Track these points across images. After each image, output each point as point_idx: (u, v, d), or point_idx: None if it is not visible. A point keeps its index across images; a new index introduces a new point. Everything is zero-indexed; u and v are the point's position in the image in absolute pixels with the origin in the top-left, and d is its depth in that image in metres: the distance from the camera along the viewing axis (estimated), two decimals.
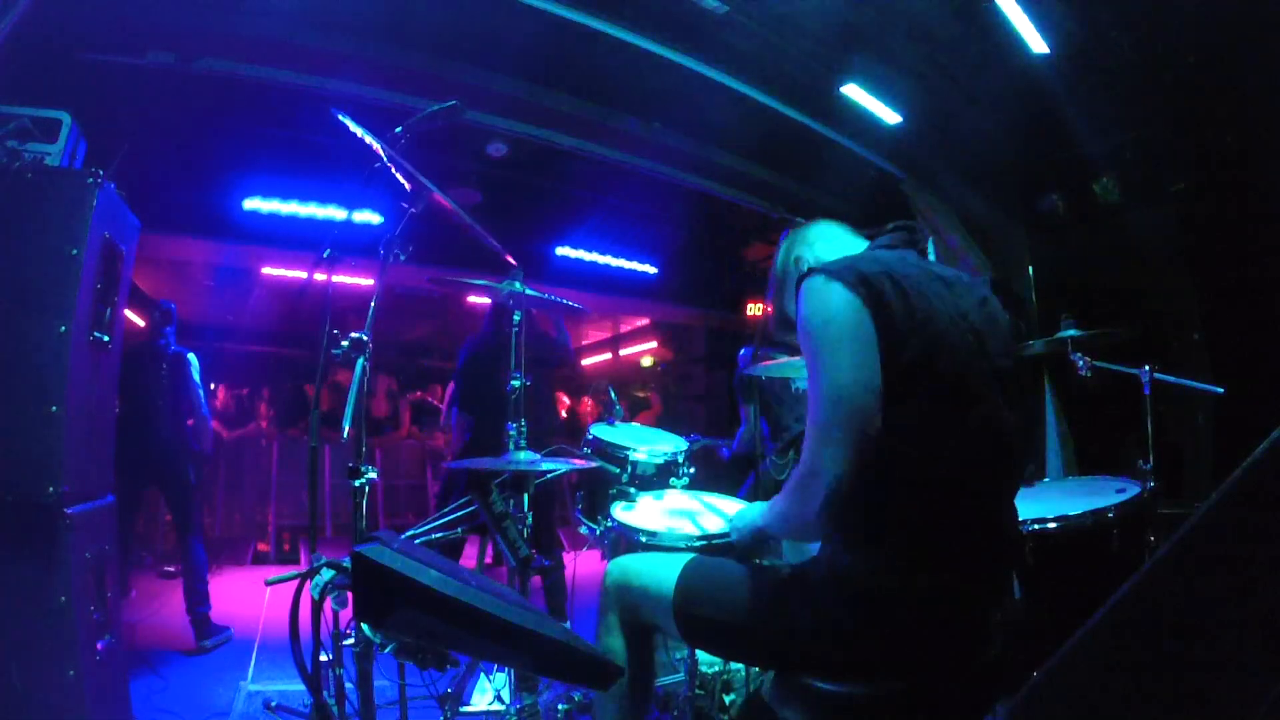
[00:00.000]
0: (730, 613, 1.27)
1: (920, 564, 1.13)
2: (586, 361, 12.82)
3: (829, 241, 1.43)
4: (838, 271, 1.19)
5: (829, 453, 1.12)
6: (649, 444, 2.14)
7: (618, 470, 2.05)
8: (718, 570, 1.36)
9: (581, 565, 2.73)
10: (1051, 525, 1.94)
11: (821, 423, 1.14)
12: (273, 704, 2.16)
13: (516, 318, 2.08)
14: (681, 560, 1.40)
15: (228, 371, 7.86)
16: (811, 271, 1.23)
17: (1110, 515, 1.95)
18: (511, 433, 1.92)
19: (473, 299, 7.60)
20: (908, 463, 1.13)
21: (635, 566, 1.48)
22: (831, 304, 1.16)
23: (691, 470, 2.16)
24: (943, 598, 1.13)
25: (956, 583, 1.14)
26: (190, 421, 3.73)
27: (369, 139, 1.64)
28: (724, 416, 8.13)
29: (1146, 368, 2.40)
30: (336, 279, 1.77)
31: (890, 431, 1.12)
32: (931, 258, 1.40)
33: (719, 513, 1.91)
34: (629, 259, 7.79)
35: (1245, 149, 3.78)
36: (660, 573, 1.39)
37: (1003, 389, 1.21)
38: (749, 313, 8.37)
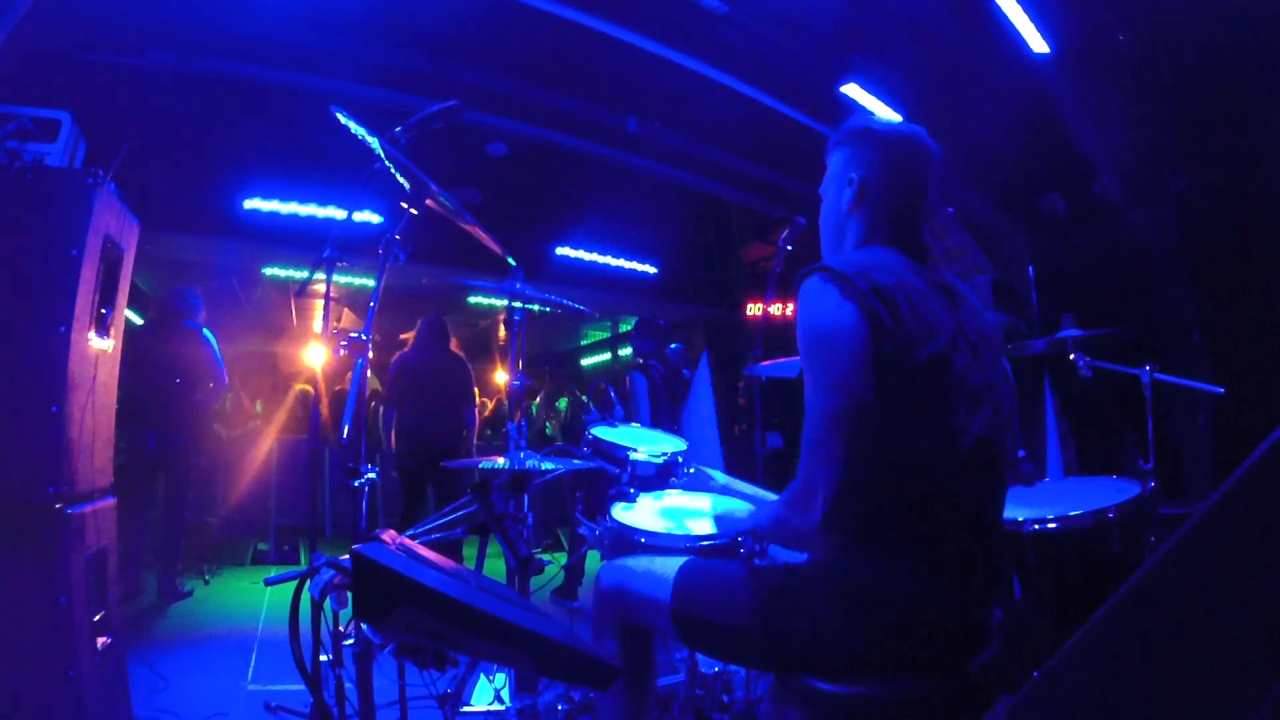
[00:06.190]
0: (729, 616, 1.26)
1: (916, 566, 1.13)
2: (586, 361, 12.82)
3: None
4: (844, 277, 1.16)
5: (824, 472, 1.13)
6: (649, 444, 2.14)
7: (618, 470, 2.05)
8: (715, 573, 1.35)
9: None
10: (1051, 525, 1.93)
11: (816, 439, 1.14)
12: (273, 704, 2.16)
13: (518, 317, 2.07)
14: (676, 563, 1.39)
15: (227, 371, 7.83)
16: (816, 270, 1.19)
17: (1110, 515, 1.94)
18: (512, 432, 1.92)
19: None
20: (905, 469, 1.13)
21: (630, 571, 1.46)
22: (830, 314, 1.14)
23: (691, 471, 2.16)
24: (940, 598, 1.13)
25: (953, 584, 1.15)
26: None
27: (363, 133, 1.62)
28: (722, 416, 8.11)
29: (1146, 368, 2.40)
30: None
31: (890, 439, 1.12)
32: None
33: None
34: (629, 259, 7.80)
35: (1245, 149, 3.78)
36: (656, 577, 1.38)
37: (991, 398, 1.23)
38: (749, 312, 8.37)
